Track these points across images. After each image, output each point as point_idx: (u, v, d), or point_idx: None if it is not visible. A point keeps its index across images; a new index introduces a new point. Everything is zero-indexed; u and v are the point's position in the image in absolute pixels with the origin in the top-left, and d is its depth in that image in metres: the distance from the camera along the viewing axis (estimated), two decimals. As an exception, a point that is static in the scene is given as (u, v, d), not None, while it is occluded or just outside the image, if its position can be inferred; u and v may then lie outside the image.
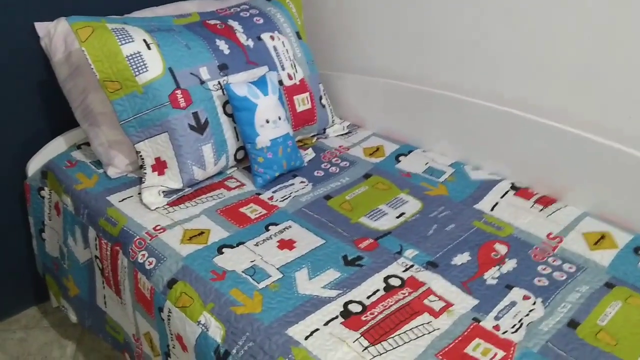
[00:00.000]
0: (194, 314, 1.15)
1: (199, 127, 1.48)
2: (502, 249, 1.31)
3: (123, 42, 1.41)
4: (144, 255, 1.30)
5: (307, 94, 1.73)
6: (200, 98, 1.48)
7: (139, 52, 1.42)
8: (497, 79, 1.56)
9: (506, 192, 1.50)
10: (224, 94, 1.52)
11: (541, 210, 1.43)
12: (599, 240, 1.31)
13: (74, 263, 1.56)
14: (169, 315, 1.20)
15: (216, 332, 1.11)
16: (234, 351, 1.07)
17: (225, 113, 1.53)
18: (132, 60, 1.41)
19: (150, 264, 1.27)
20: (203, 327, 1.13)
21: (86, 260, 1.51)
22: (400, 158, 1.69)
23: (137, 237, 1.33)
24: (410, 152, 1.72)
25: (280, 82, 1.66)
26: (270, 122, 1.52)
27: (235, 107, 1.50)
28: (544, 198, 1.47)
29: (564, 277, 1.22)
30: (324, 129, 1.83)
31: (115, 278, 1.39)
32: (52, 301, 1.80)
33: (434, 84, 1.70)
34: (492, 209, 1.45)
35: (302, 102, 1.71)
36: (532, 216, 1.41)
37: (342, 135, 1.84)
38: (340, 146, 1.77)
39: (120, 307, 1.43)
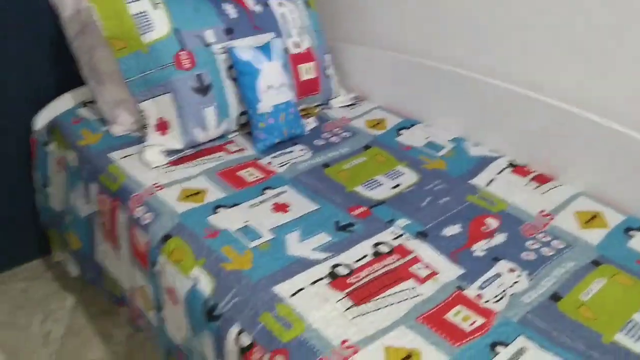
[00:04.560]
0: (186, 268, 1.18)
1: (202, 90, 1.50)
2: (493, 223, 1.32)
3: (130, 0, 1.43)
4: (141, 211, 1.33)
5: (313, 63, 1.73)
6: (205, 60, 1.50)
7: (145, 11, 1.43)
8: (503, 57, 1.56)
9: (503, 169, 1.51)
10: (228, 58, 1.53)
11: (536, 187, 1.44)
12: (590, 220, 1.32)
13: (76, 217, 1.60)
14: (161, 269, 1.24)
15: (206, 286, 1.14)
16: (221, 305, 1.10)
17: (230, 77, 1.54)
18: (138, 19, 1.43)
19: (147, 219, 1.31)
20: (194, 281, 1.16)
21: (87, 215, 1.55)
22: (402, 131, 1.70)
23: (136, 193, 1.36)
24: (412, 125, 1.72)
25: (286, 50, 1.67)
26: (273, 88, 1.54)
27: (239, 71, 1.51)
28: (540, 176, 1.47)
29: (552, 253, 1.23)
30: (328, 100, 1.84)
31: (114, 233, 1.43)
32: (54, 255, 1.85)
33: (441, 59, 1.70)
34: (487, 185, 1.46)
35: (306, 71, 1.72)
36: (526, 193, 1.42)
37: (346, 106, 1.85)
38: (343, 117, 1.78)
39: (118, 261, 1.47)
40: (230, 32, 1.56)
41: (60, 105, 1.69)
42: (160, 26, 1.45)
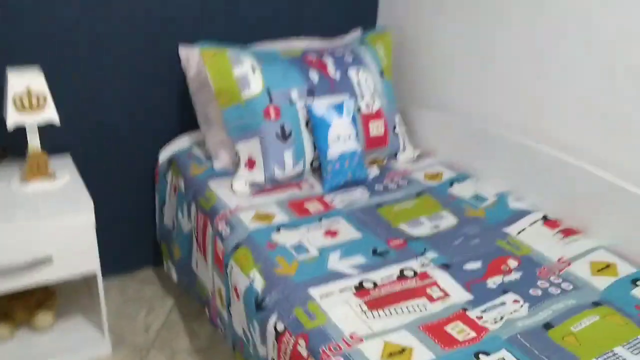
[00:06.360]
0: (247, 270, 1.50)
1: (284, 137, 1.85)
2: (513, 263, 1.50)
3: (235, 65, 1.84)
4: (223, 226, 1.68)
5: (382, 121, 2.04)
6: (288, 114, 1.87)
7: (245, 74, 1.84)
8: (552, 127, 1.77)
9: (536, 221, 1.68)
10: (307, 113, 1.89)
11: (562, 239, 1.59)
12: (603, 269, 1.46)
13: (180, 232, 2.00)
14: (231, 271, 1.57)
15: (259, 284, 1.45)
16: (267, 299, 1.40)
17: (307, 128, 1.89)
18: (239, 80, 1.84)
19: (226, 232, 1.66)
20: (251, 280, 1.47)
21: (188, 230, 1.94)
22: (454, 184, 1.93)
23: (222, 211, 1.73)
24: (465, 179, 1.95)
25: (358, 109, 1.99)
26: (340, 139, 1.86)
27: (314, 123, 1.86)
28: (568, 229, 1.63)
29: (558, 292, 1.39)
30: (396, 153, 2.12)
31: (204, 244, 1.79)
32: (165, 266, 2.26)
33: (500, 124, 1.94)
34: (518, 233, 1.64)
35: (376, 128, 2.02)
36: (551, 242, 1.58)
37: (410, 160, 2.12)
38: (405, 168, 2.05)
39: (205, 268, 1.82)
40: (311, 92, 1.92)
41: (179, 143, 2.14)
42: (255, 85, 1.84)
